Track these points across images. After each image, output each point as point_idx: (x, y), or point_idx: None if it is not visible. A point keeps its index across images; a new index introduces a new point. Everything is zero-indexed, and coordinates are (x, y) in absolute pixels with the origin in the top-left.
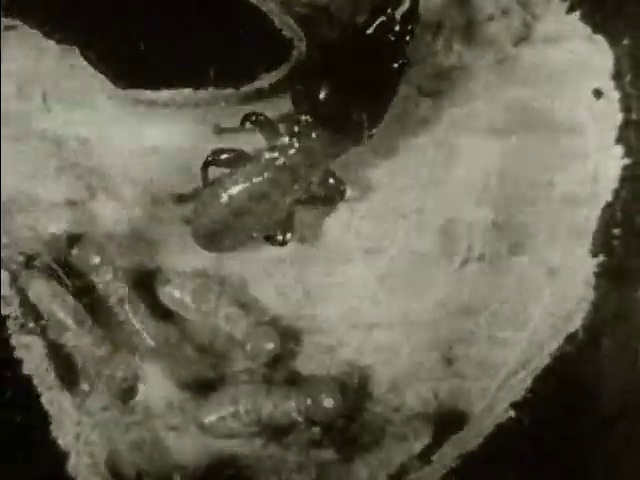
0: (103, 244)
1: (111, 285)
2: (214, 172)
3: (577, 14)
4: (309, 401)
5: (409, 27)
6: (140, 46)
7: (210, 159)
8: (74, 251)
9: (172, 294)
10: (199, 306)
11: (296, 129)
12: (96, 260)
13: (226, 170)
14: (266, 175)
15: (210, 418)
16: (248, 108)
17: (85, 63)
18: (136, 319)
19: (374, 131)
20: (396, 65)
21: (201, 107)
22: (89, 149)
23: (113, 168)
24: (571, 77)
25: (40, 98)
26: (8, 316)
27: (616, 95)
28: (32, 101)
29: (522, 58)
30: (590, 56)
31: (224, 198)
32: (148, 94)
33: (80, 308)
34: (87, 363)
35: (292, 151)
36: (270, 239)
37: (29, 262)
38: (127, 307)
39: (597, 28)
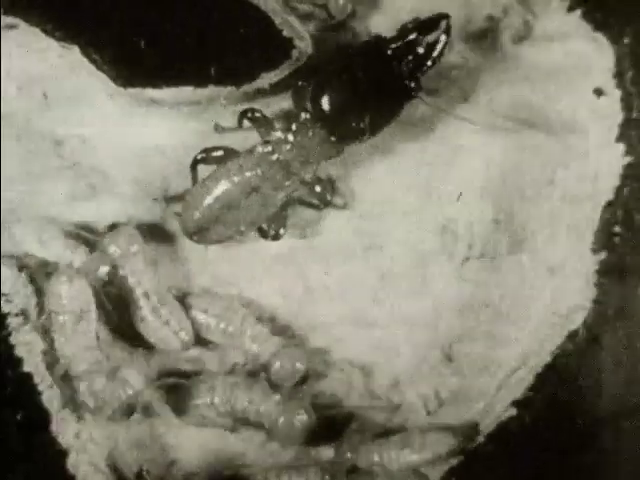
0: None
1: (140, 275)
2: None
3: (578, 13)
4: (281, 419)
5: (434, 56)
6: (141, 45)
7: (199, 157)
8: (109, 239)
9: (196, 317)
10: (225, 328)
11: (293, 126)
12: (134, 248)
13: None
14: (258, 169)
15: (187, 403)
16: (249, 106)
17: (86, 62)
18: (164, 311)
19: (371, 137)
20: (409, 86)
21: (202, 105)
22: (90, 148)
23: (114, 167)
24: (572, 76)
25: (41, 97)
26: (9, 313)
27: (617, 93)
28: (33, 100)
29: (523, 57)
30: (591, 55)
31: (215, 191)
32: (149, 92)
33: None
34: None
35: (286, 146)
36: (263, 233)
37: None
38: (155, 299)
39: (598, 26)
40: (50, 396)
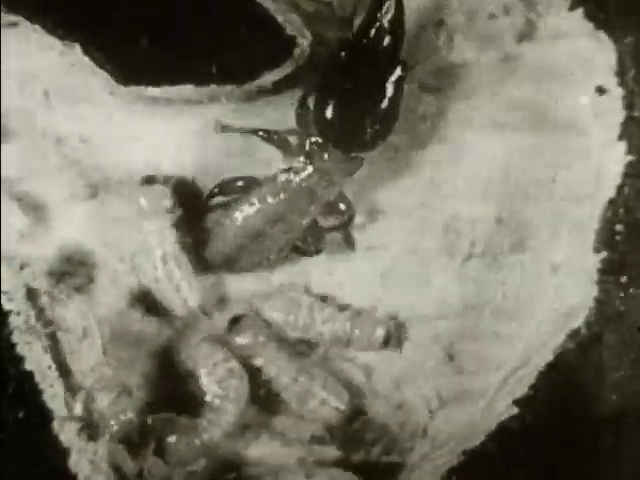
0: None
1: (161, 235)
2: None
3: (580, 11)
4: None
5: (399, 31)
6: (142, 43)
7: (216, 190)
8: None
9: (266, 316)
10: (295, 323)
11: (307, 148)
12: (168, 203)
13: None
14: (282, 197)
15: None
16: (249, 106)
17: (87, 60)
18: (180, 274)
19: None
20: (395, 70)
21: (203, 104)
22: (91, 146)
23: (115, 165)
24: (574, 74)
25: (42, 95)
26: (10, 312)
27: (619, 92)
28: (34, 98)
29: (525, 55)
30: (593, 53)
31: (239, 221)
32: (150, 91)
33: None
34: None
35: (308, 172)
36: (303, 252)
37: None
38: (172, 263)
39: (600, 25)
40: (52, 394)
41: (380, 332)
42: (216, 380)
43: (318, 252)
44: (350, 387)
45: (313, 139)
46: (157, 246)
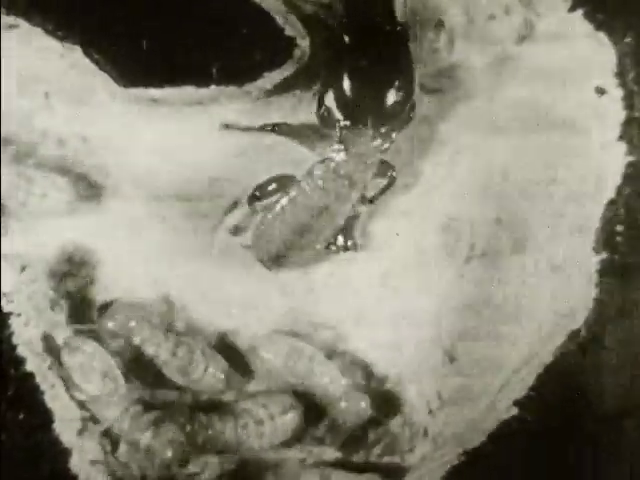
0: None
1: (154, 340)
2: None
3: (580, 12)
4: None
5: None
6: (143, 44)
7: (256, 194)
8: (106, 321)
9: (263, 358)
10: (293, 370)
11: (339, 135)
12: (132, 324)
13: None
14: (322, 187)
15: None
16: (250, 106)
17: (87, 61)
18: (197, 359)
19: (411, 106)
20: (396, 31)
21: (203, 105)
22: (92, 147)
23: (116, 167)
24: (574, 75)
25: (42, 97)
26: (11, 313)
27: (619, 92)
28: (34, 99)
29: (524, 56)
30: (593, 54)
31: (283, 218)
32: (151, 92)
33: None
34: None
35: (343, 159)
36: (341, 248)
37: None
38: (181, 351)
39: (599, 26)
40: (53, 395)
41: (363, 405)
42: None
43: (356, 248)
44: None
45: (342, 124)
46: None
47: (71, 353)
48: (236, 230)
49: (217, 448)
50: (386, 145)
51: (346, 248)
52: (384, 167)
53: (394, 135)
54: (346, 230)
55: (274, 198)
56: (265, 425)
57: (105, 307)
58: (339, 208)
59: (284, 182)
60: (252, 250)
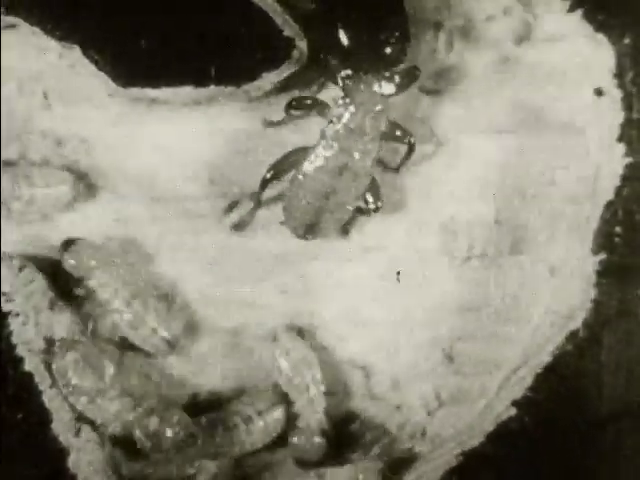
0: (99, 247)
1: (111, 286)
2: None
3: (578, 13)
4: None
5: None
6: (141, 44)
7: (269, 176)
8: (68, 256)
9: (278, 360)
10: (291, 379)
11: (342, 85)
12: (92, 263)
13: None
14: (337, 146)
15: None
16: (251, 106)
17: (86, 61)
18: (149, 316)
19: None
20: None
21: (203, 105)
22: (90, 147)
23: (114, 166)
24: (572, 76)
25: (41, 96)
26: (9, 313)
27: (617, 94)
28: (33, 100)
29: (523, 57)
30: (591, 55)
31: (307, 186)
32: (149, 92)
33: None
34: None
35: (351, 112)
36: (362, 210)
37: None
38: (136, 304)
39: (598, 27)
40: (51, 395)
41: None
42: None
43: (377, 210)
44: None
45: (343, 74)
46: (110, 297)
47: (62, 354)
48: (238, 226)
49: (210, 453)
50: (390, 91)
51: (377, 208)
52: (401, 132)
53: (396, 80)
54: (374, 190)
55: (295, 169)
56: (254, 422)
57: (70, 243)
58: (359, 164)
59: (299, 155)
60: (286, 224)
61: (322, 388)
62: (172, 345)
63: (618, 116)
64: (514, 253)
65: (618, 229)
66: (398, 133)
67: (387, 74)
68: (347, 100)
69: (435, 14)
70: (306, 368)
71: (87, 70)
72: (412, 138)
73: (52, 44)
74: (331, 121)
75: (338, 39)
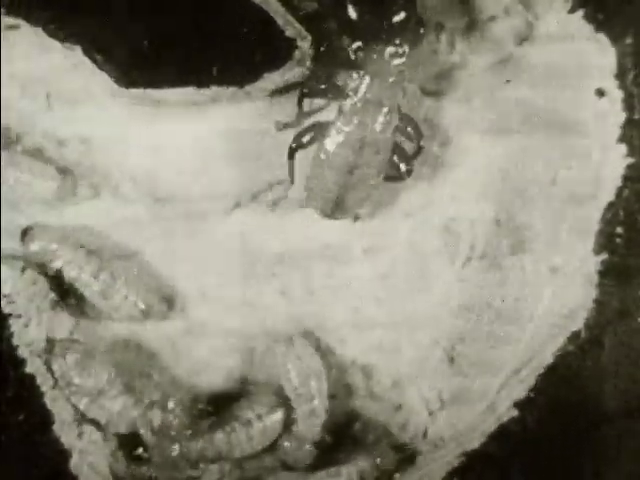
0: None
1: (76, 262)
2: None
3: (580, 13)
4: None
5: None
6: (143, 45)
7: (295, 145)
8: (29, 243)
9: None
10: (299, 387)
11: (354, 58)
12: (53, 246)
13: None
14: (355, 120)
15: None
16: (252, 106)
17: (88, 62)
18: (118, 284)
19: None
20: None
21: (204, 105)
22: (92, 148)
23: (116, 167)
24: (573, 76)
25: (43, 97)
26: (10, 314)
27: (619, 94)
28: (35, 100)
29: (524, 58)
30: (593, 55)
31: (329, 163)
32: (151, 93)
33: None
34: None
35: (366, 84)
36: (393, 178)
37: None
38: (104, 275)
39: (600, 27)
40: (52, 397)
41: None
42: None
43: (409, 173)
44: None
45: (354, 47)
46: (77, 275)
47: (63, 355)
48: (275, 202)
49: (210, 458)
50: (400, 61)
51: (410, 172)
52: (412, 130)
53: (406, 50)
54: (401, 155)
55: (314, 147)
56: (253, 426)
57: (28, 230)
58: (379, 137)
59: (320, 127)
60: (309, 205)
61: (326, 403)
62: (146, 312)
63: (619, 116)
64: (515, 253)
65: (619, 229)
66: (409, 129)
67: (397, 41)
68: (361, 73)
69: (436, 15)
70: (315, 379)
71: (89, 71)
72: (422, 141)
73: (54, 45)
74: (348, 95)
75: (346, 14)
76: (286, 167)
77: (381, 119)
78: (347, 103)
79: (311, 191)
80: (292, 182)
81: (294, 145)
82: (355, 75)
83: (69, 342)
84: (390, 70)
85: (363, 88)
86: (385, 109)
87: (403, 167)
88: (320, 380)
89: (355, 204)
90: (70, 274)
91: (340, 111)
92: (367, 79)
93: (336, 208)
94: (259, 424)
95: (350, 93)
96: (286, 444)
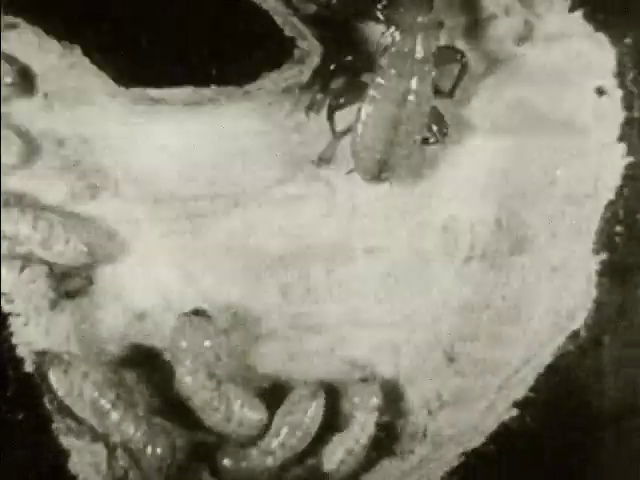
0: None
1: (10, 217)
2: None
3: (579, 13)
4: None
5: None
6: (142, 44)
7: (333, 104)
8: None
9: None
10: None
11: (383, 16)
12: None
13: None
14: (393, 73)
15: None
16: (252, 106)
17: (87, 61)
18: (57, 230)
19: None
20: None
21: (203, 105)
22: (91, 148)
23: (115, 167)
24: (573, 75)
25: (42, 96)
26: (10, 314)
27: (618, 93)
28: (34, 100)
29: (525, 57)
30: (592, 54)
31: (373, 121)
32: (150, 92)
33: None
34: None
35: (400, 39)
36: (428, 140)
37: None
38: (42, 223)
39: (599, 26)
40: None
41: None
42: None
43: (445, 135)
44: None
45: (380, 6)
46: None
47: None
48: (322, 160)
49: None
50: (425, 18)
51: (444, 134)
52: (453, 52)
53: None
54: (437, 118)
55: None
56: (234, 409)
57: None
58: (419, 89)
59: (355, 86)
60: (356, 169)
61: (294, 453)
62: (91, 253)
63: (619, 115)
64: (515, 253)
65: (619, 229)
66: (449, 54)
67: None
68: (391, 29)
69: (437, 14)
70: (300, 432)
71: (88, 70)
72: (465, 57)
73: (53, 44)
74: (384, 49)
75: None
76: (286, 166)
77: (418, 70)
78: (383, 59)
79: (357, 153)
80: (335, 138)
81: (332, 105)
82: (386, 32)
83: (58, 357)
84: (418, 25)
85: (396, 41)
86: (420, 60)
87: (438, 131)
88: (305, 435)
89: (399, 163)
90: (10, 231)
91: (378, 68)
92: (397, 34)
93: (382, 168)
94: (240, 411)
95: (385, 48)
96: (225, 462)
